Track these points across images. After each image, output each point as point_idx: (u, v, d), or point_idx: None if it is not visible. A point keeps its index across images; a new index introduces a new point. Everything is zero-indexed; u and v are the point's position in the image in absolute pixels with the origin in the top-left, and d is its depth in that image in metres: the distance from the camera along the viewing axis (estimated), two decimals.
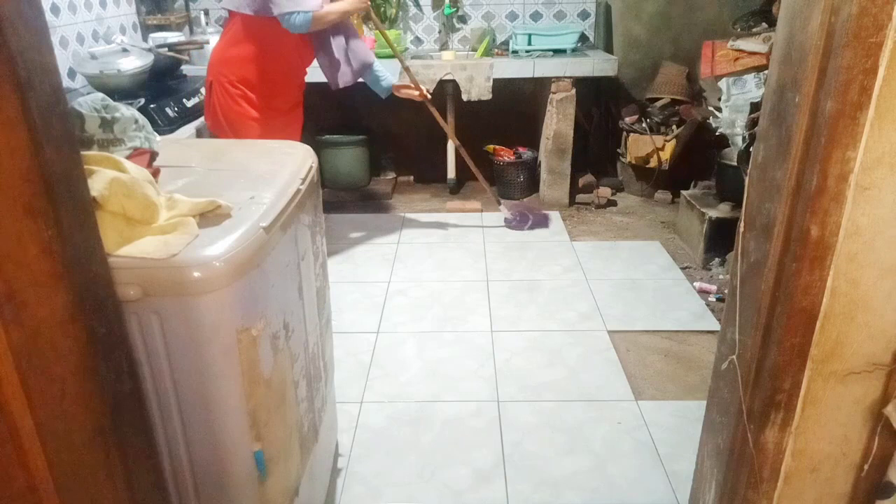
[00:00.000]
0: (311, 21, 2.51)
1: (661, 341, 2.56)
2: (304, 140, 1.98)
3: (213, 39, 3.52)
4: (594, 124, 4.29)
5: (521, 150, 4.13)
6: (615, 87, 4.16)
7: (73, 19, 3.07)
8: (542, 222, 3.68)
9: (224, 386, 1.08)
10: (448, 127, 3.51)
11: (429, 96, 3.23)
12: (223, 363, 1.06)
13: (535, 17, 4.21)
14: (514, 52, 3.89)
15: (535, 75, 3.72)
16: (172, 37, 3.34)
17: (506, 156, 4.07)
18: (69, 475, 0.77)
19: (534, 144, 4.17)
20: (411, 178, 4.47)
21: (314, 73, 2.89)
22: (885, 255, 0.99)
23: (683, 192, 3.45)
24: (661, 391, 2.26)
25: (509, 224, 3.66)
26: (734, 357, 1.23)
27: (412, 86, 3.17)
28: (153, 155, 1.27)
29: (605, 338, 2.58)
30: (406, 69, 3.16)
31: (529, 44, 3.84)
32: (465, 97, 3.68)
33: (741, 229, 1.22)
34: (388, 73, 3.09)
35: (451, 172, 4.11)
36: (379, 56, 3.86)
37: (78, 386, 0.78)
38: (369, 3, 2.75)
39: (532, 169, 4.10)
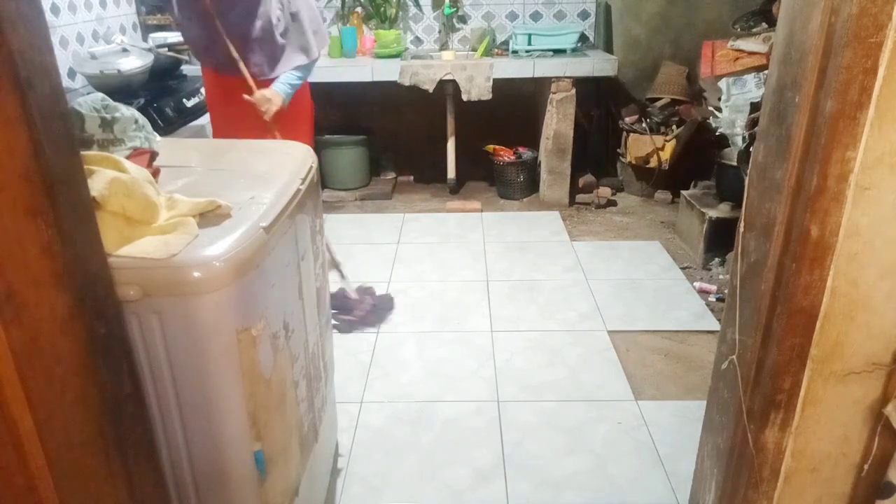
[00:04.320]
0: None
1: (661, 341, 2.56)
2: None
3: None
4: (594, 124, 4.29)
5: (521, 150, 4.13)
6: (615, 87, 4.16)
7: (73, 19, 3.07)
8: (382, 311, 2.75)
9: (224, 386, 1.08)
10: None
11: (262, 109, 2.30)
12: (223, 363, 1.06)
13: (535, 17, 4.21)
14: (514, 52, 3.88)
15: (535, 75, 3.72)
16: (172, 37, 3.34)
17: (506, 156, 4.07)
18: (69, 475, 0.77)
19: (534, 144, 4.17)
20: (411, 178, 4.47)
21: (315, 74, 2.84)
22: (885, 255, 0.98)
23: (683, 192, 3.45)
24: (661, 391, 2.26)
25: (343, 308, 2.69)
26: (734, 357, 1.23)
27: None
28: (153, 155, 1.27)
29: (605, 338, 2.57)
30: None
31: (529, 44, 3.84)
32: (465, 97, 3.68)
33: (741, 229, 1.22)
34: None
35: (451, 172, 4.11)
36: (379, 56, 3.87)
37: (78, 386, 0.78)
38: None
39: (532, 169, 4.10)
